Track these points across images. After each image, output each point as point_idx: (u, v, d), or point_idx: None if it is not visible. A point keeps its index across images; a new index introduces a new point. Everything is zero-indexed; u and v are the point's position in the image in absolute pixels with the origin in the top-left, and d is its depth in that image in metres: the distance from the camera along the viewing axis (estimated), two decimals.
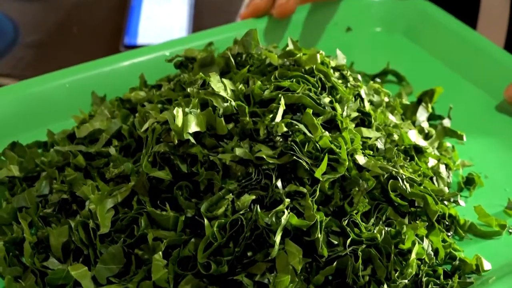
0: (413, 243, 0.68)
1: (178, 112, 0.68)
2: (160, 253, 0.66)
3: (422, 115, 0.84)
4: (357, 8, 0.98)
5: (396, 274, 0.67)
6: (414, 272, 0.67)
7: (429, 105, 0.84)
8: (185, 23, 1.23)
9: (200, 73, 0.73)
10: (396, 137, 0.76)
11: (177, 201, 0.68)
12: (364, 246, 0.67)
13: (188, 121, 0.68)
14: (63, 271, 0.67)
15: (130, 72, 0.86)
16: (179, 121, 0.68)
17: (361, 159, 0.70)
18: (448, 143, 0.82)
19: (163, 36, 1.19)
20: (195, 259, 0.66)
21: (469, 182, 0.79)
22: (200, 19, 1.27)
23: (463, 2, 1.02)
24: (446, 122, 0.85)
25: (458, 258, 0.71)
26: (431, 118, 0.86)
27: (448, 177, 0.78)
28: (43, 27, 1.24)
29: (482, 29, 1.00)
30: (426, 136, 0.82)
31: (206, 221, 0.66)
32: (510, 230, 0.75)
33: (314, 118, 0.70)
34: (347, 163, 0.69)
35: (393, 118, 0.78)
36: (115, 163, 0.72)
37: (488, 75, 0.90)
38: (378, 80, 0.91)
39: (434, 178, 0.77)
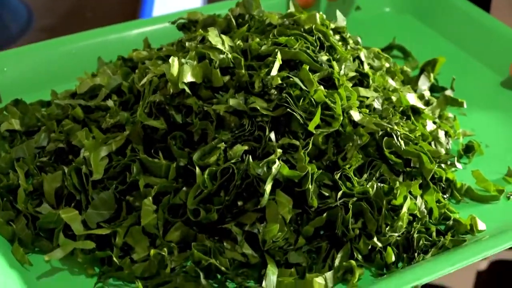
0: (405, 198, 0.67)
1: (174, 61, 0.68)
2: (150, 198, 0.66)
3: (424, 84, 0.83)
4: None
5: (387, 228, 0.66)
6: (404, 226, 0.66)
7: (431, 75, 0.84)
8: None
9: (200, 30, 0.74)
10: (394, 99, 0.75)
11: (171, 151, 0.68)
12: (355, 199, 0.67)
13: (183, 70, 0.68)
14: (54, 215, 0.67)
15: (138, 40, 0.86)
16: (174, 71, 0.68)
17: (356, 115, 0.70)
18: (450, 114, 0.82)
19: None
20: (185, 207, 0.66)
21: (468, 150, 0.78)
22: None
23: None
24: (449, 93, 0.84)
25: (452, 218, 0.70)
26: (434, 90, 0.85)
27: (447, 143, 0.77)
28: (57, 11, 1.25)
29: (495, 12, 1.00)
30: (427, 104, 0.81)
31: (197, 169, 0.66)
32: (508, 196, 0.74)
33: (310, 74, 0.69)
34: (341, 118, 0.68)
35: (392, 83, 0.78)
36: (114, 114, 0.72)
37: (494, 52, 0.90)
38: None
39: (433, 143, 0.76)
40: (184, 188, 0.67)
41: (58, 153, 0.72)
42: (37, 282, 0.65)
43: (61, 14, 1.25)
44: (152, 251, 0.64)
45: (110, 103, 0.73)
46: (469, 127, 0.81)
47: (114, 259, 0.64)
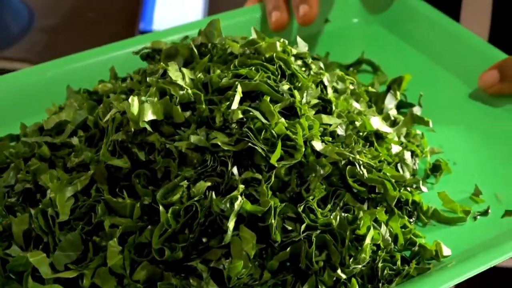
0: (368, 228, 0.67)
1: (134, 100, 0.69)
2: (115, 239, 0.67)
3: (390, 102, 0.83)
4: None
5: (351, 260, 0.67)
6: (367, 258, 0.67)
7: (398, 93, 0.84)
8: (200, 8, 1.23)
9: (161, 63, 0.74)
10: (358, 123, 0.75)
11: (135, 189, 0.69)
12: (318, 231, 0.67)
13: (144, 109, 0.69)
14: (23, 258, 0.67)
15: (107, 65, 0.87)
16: (134, 110, 0.69)
17: (318, 145, 0.70)
18: (418, 131, 0.82)
19: (178, 21, 1.19)
20: (151, 246, 0.67)
21: (435, 169, 0.78)
22: (215, 3, 1.27)
23: None
24: (416, 110, 0.84)
25: (417, 244, 0.70)
26: (403, 106, 0.85)
27: (414, 164, 0.78)
28: (58, 11, 1.25)
29: (465, 21, 1.00)
30: (394, 123, 0.81)
31: (161, 207, 0.67)
32: (474, 216, 0.74)
33: (271, 105, 0.70)
34: (303, 149, 0.69)
35: (357, 105, 0.78)
36: (78, 153, 0.73)
37: (464, 63, 0.90)
38: (352, 69, 0.91)
39: (399, 165, 0.76)
40: (149, 227, 0.68)
41: (26, 193, 0.73)
42: None
43: (63, 14, 1.24)
44: None
45: (75, 140, 0.74)
46: (437, 143, 0.81)
47: None
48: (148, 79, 0.73)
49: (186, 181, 0.68)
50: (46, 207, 0.69)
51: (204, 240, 0.67)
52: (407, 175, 0.76)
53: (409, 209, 0.74)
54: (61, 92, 0.86)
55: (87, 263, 0.67)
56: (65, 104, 0.81)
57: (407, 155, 0.77)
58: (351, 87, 0.80)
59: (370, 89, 0.84)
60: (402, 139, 0.80)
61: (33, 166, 0.73)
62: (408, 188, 0.75)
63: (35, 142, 0.76)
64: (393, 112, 0.83)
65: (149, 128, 0.69)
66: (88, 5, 1.25)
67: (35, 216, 0.69)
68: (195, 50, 0.78)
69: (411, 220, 0.73)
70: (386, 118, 0.81)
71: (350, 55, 0.92)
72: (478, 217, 0.74)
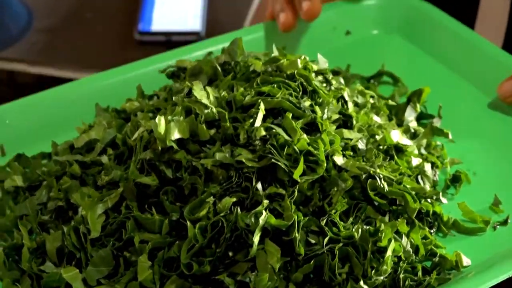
0: (389, 241, 0.69)
1: (161, 120, 0.71)
2: (145, 254, 0.69)
3: (410, 115, 0.85)
4: (354, 11, 0.99)
5: (373, 272, 0.68)
6: (389, 269, 0.69)
7: (417, 105, 0.85)
8: (199, 10, 1.23)
9: (187, 82, 0.76)
10: (378, 137, 0.77)
11: (163, 205, 0.72)
12: (341, 244, 0.69)
13: (170, 128, 0.71)
14: (56, 274, 0.70)
15: (135, 82, 0.89)
16: (161, 129, 0.71)
17: (339, 160, 0.72)
18: (438, 142, 0.84)
19: (177, 22, 1.19)
20: (179, 260, 0.69)
21: (455, 180, 0.80)
22: (215, 5, 1.27)
23: (462, 3, 1.02)
24: (436, 121, 0.86)
25: (438, 254, 0.72)
26: (423, 117, 0.87)
27: (434, 175, 0.79)
28: (56, 12, 1.24)
29: (480, 30, 1.01)
30: (414, 135, 0.83)
31: (188, 223, 0.69)
32: (494, 226, 0.76)
33: (293, 121, 0.72)
34: (325, 164, 0.71)
35: (377, 119, 0.80)
36: (107, 171, 0.75)
37: (483, 73, 0.91)
38: (373, 81, 0.92)
39: (419, 177, 0.78)
40: (177, 242, 0.70)
41: (58, 211, 0.75)
42: None
43: (61, 15, 1.24)
44: None
45: (104, 159, 0.76)
46: (457, 154, 0.83)
47: None
48: (174, 98, 0.76)
49: (212, 197, 0.70)
50: (78, 224, 0.72)
51: (230, 254, 0.69)
52: (427, 186, 0.77)
53: (430, 220, 0.75)
54: (90, 109, 0.89)
55: (118, 278, 0.70)
56: (94, 122, 0.84)
57: (427, 166, 0.79)
58: (371, 101, 0.82)
59: (390, 102, 0.85)
60: (423, 150, 0.81)
61: (65, 184, 0.75)
62: (429, 200, 0.76)
63: (66, 161, 0.78)
64: (413, 124, 0.84)
65: (175, 147, 0.71)
66: (87, 6, 1.25)
67: (68, 233, 0.71)
68: (219, 68, 0.80)
69: (432, 231, 0.75)
70: (406, 130, 0.83)
71: (370, 66, 0.94)
72: (498, 226, 0.76)
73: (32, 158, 0.84)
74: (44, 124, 0.88)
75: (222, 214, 0.69)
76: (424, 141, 0.82)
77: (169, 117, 0.72)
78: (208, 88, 0.75)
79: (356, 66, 0.94)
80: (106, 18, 1.23)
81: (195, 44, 0.94)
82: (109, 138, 0.78)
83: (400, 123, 0.84)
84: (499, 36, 0.99)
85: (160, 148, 0.71)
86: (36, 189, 0.79)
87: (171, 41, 1.19)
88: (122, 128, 0.79)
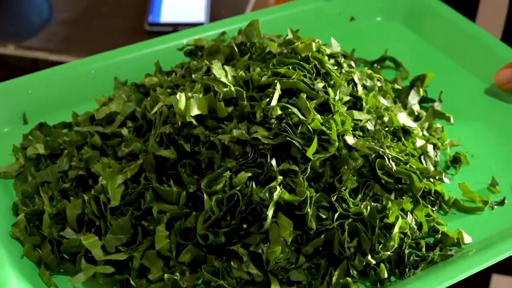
0: (397, 218, 0.65)
1: (181, 96, 0.66)
2: (163, 224, 0.65)
3: (413, 98, 0.81)
4: None
5: (380, 247, 0.65)
6: (396, 245, 0.65)
7: (420, 89, 0.81)
8: (203, 2, 1.21)
9: (205, 61, 0.71)
10: (386, 119, 0.73)
11: (181, 178, 0.67)
12: (350, 220, 0.65)
13: (190, 104, 0.67)
14: (76, 241, 0.66)
15: (151, 59, 0.84)
16: (182, 105, 0.66)
17: (350, 140, 0.68)
18: (438, 125, 0.80)
19: (183, 14, 1.18)
20: (195, 231, 0.65)
21: (455, 161, 0.76)
22: None
23: None
24: (437, 105, 0.82)
25: (440, 231, 0.68)
26: (424, 101, 0.83)
27: (436, 156, 0.75)
28: (75, 6, 1.25)
29: (480, 22, 0.96)
30: (417, 118, 0.79)
31: (205, 196, 0.65)
32: (492, 206, 0.72)
33: (307, 102, 0.67)
34: (337, 143, 0.67)
35: (384, 102, 0.75)
36: (127, 142, 0.70)
37: (480, 62, 0.87)
38: (376, 65, 0.88)
39: (422, 157, 0.74)
40: (194, 213, 0.66)
41: (79, 179, 0.71)
42: None
43: (79, 8, 1.24)
44: (166, 275, 0.63)
45: (124, 131, 0.71)
46: (456, 137, 0.79)
47: (132, 282, 0.64)
48: (193, 75, 0.71)
49: (228, 171, 0.66)
50: (98, 194, 0.67)
51: (244, 226, 0.65)
52: (430, 167, 0.73)
53: (432, 198, 0.71)
54: (108, 82, 0.84)
55: (136, 246, 0.65)
56: (113, 96, 0.79)
57: (430, 148, 0.75)
58: (379, 84, 0.77)
59: (396, 86, 0.81)
60: (425, 132, 0.77)
61: (86, 154, 0.71)
62: (431, 179, 0.73)
63: (87, 132, 0.74)
64: (416, 108, 0.80)
65: (194, 122, 0.67)
66: (103, 0, 1.26)
67: (88, 201, 0.67)
68: (236, 48, 0.75)
69: (434, 209, 0.71)
70: (411, 113, 0.79)
71: (373, 51, 0.89)
72: (495, 206, 0.72)
73: (53, 127, 0.79)
74: (64, 95, 0.83)
75: (237, 188, 0.65)
76: (426, 124, 0.78)
77: (189, 94, 0.67)
78: (226, 67, 0.70)
79: (359, 51, 0.89)
80: (120, 11, 1.23)
81: (210, 24, 0.90)
82: (129, 111, 0.74)
83: (404, 106, 0.80)
84: (498, 28, 0.95)
85: (179, 123, 0.67)
86: (57, 157, 0.74)
87: (178, 31, 1.17)
88: (141, 102, 0.75)
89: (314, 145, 0.65)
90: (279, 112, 0.66)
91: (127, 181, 0.68)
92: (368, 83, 0.76)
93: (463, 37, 0.89)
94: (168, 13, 1.18)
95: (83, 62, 0.85)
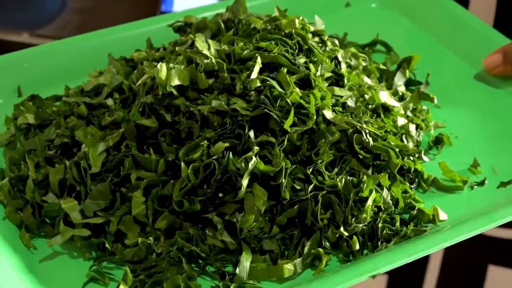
0: (371, 191, 0.65)
1: (162, 66, 0.67)
2: (140, 190, 0.66)
3: (399, 79, 0.81)
4: None
5: (353, 219, 0.65)
6: (369, 218, 0.65)
7: (407, 71, 0.81)
8: None
9: (190, 35, 0.72)
10: (367, 96, 0.73)
11: (161, 147, 0.68)
12: (325, 192, 0.65)
13: (171, 75, 0.67)
14: (56, 205, 0.67)
15: (144, 38, 0.85)
16: (163, 75, 0.67)
17: (328, 114, 0.68)
18: (424, 107, 0.79)
19: (196, 3, 1.18)
20: (172, 198, 0.65)
21: (438, 141, 0.76)
22: None
23: None
24: (424, 87, 0.82)
25: (416, 208, 0.68)
26: (411, 83, 0.82)
27: (418, 136, 0.75)
28: None
29: (473, 8, 0.96)
30: (402, 99, 0.79)
31: (183, 164, 0.65)
32: (471, 186, 0.72)
33: (288, 76, 0.68)
34: (315, 117, 0.67)
35: (368, 80, 0.75)
36: (112, 112, 0.71)
37: (471, 47, 0.86)
38: (368, 49, 0.88)
39: (404, 136, 0.74)
40: (172, 181, 0.66)
41: (63, 147, 0.72)
42: (40, 265, 0.65)
43: None
44: (140, 239, 0.64)
45: (109, 101, 0.72)
46: (441, 119, 0.79)
47: (107, 245, 0.64)
48: (177, 48, 0.72)
49: (206, 141, 0.66)
50: (80, 160, 0.68)
51: (220, 195, 0.66)
52: (411, 145, 0.73)
53: (411, 176, 0.71)
54: (104, 59, 0.84)
55: (114, 211, 0.66)
56: (105, 70, 0.80)
57: (412, 127, 0.74)
58: (363, 63, 0.77)
59: (381, 66, 0.81)
60: (409, 113, 0.77)
61: (71, 122, 0.72)
62: (411, 158, 0.72)
63: (74, 102, 0.75)
64: (401, 89, 0.80)
65: (175, 92, 0.67)
66: None
67: (70, 167, 0.68)
68: (222, 25, 0.76)
69: (412, 186, 0.71)
70: (395, 93, 0.79)
71: (366, 37, 0.89)
72: (475, 186, 0.72)
73: (46, 99, 0.80)
74: (60, 71, 0.84)
75: (214, 157, 0.65)
76: (411, 105, 0.78)
77: (171, 65, 0.68)
78: (210, 41, 0.71)
79: (353, 36, 0.89)
80: (133, 0, 1.24)
81: (203, 6, 0.90)
82: (115, 83, 0.74)
83: (390, 87, 0.80)
84: (490, 14, 0.95)
85: (161, 93, 0.68)
86: (46, 128, 0.75)
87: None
88: (129, 75, 0.75)
89: (291, 118, 0.66)
90: (259, 84, 0.67)
91: (109, 149, 0.68)
92: (353, 62, 0.76)
93: (456, 23, 0.89)
94: (180, 2, 1.19)
95: (79, 38, 0.86)
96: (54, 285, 0.64)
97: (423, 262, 1.09)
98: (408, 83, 0.82)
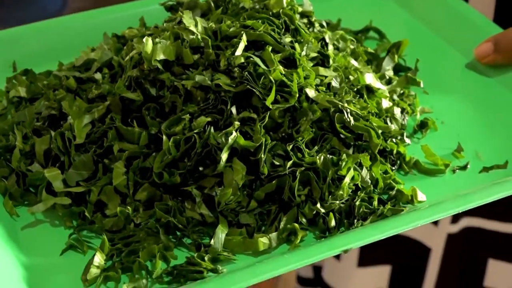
0: (348, 169, 0.66)
1: (148, 40, 0.68)
2: (122, 161, 0.66)
3: (388, 64, 0.81)
4: None
5: (330, 196, 0.65)
6: (345, 195, 0.65)
7: (395, 56, 0.81)
8: None
9: (179, 13, 0.73)
10: (352, 78, 0.73)
11: (145, 121, 0.69)
12: (303, 168, 0.66)
13: (156, 49, 0.68)
14: (40, 173, 0.68)
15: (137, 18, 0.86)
16: (148, 49, 0.68)
17: (311, 93, 0.69)
18: (412, 92, 0.79)
19: None
20: (153, 171, 0.66)
21: (423, 126, 0.76)
22: None
23: None
24: (412, 73, 0.82)
25: (395, 188, 0.68)
26: (401, 69, 0.83)
27: (403, 119, 0.75)
28: None
29: (473, 3, 0.96)
30: (389, 82, 0.79)
31: (164, 136, 0.66)
32: (454, 169, 0.72)
33: (272, 54, 0.68)
34: (297, 95, 0.67)
35: (355, 63, 0.76)
36: (99, 86, 0.72)
37: (463, 36, 0.86)
38: (360, 35, 0.88)
39: (388, 119, 0.74)
40: (154, 154, 0.67)
41: (51, 119, 0.73)
42: (22, 232, 0.66)
43: None
44: (119, 208, 0.65)
45: (98, 75, 0.73)
46: (429, 105, 0.79)
47: (86, 214, 0.65)
48: (165, 24, 0.73)
49: (188, 115, 0.67)
50: (66, 130, 0.69)
51: (200, 168, 0.66)
52: (393, 127, 0.73)
53: (393, 158, 0.71)
54: (99, 39, 0.85)
55: (95, 181, 0.67)
56: (97, 47, 0.81)
57: (397, 110, 0.75)
58: (351, 46, 0.78)
59: (369, 49, 0.81)
60: (395, 97, 0.77)
61: (60, 95, 0.73)
62: (394, 140, 0.73)
63: (64, 76, 0.76)
64: (389, 73, 0.80)
65: (160, 67, 0.68)
66: None
67: (55, 137, 0.69)
68: (212, 4, 0.76)
69: (394, 168, 0.71)
70: (382, 77, 0.79)
71: (360, 24, 0.89)
72: (457, 171, 0.72)
73: (39, 74, 0.81)
74: (55, 48, 0.85)
75: (196, 131, 0.66)
76: (398, 89, 0.78)
77: (157, 40, 0.69)
78: (198, 18, 0.71)
79: (347, 23, 0.89)
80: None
81: None
82: (105, 59, 0.75)
83: (378, 72, 0.80)
84: (490, 10, 0.94)
85: (146, 68, 0.68)
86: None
87: None
88: (120, 52, 0.76)
89: (273, 94, 0.66)
90: (242, 60, 0.67)
91: (94, 121, 0.69)
92: (341, 44, 0.77)
93: (448, 12, 0.89)
94: None
95: (76, 17, 0.88)
96: (35, 252, 0.64)
97: (424, 255, 1.09)
98: (398, 69, 0.82)
